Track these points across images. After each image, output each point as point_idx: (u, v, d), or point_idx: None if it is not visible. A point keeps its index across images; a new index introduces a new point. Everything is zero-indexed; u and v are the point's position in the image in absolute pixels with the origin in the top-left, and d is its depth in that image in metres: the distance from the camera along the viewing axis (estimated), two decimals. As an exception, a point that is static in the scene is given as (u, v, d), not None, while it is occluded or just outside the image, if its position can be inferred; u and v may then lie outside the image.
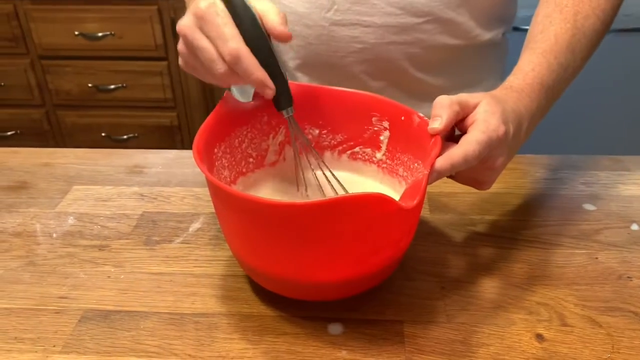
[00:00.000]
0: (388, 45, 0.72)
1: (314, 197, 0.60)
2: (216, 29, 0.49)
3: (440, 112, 0.50)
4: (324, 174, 0.59)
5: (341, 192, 0.60)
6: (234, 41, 0.48)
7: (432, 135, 0.51)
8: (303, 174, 0.61)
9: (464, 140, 0.49)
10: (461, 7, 0.71)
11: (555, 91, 0.59)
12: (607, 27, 0.66)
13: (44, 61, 1.83)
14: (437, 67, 0.73)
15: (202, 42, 0.50)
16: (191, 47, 0.51)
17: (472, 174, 0.52)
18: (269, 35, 0.51)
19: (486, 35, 0.76)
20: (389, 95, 0.59)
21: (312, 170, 0.61)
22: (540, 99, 0.56)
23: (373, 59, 0.74)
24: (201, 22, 0.50)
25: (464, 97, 0.51)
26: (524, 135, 0.54)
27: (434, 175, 0.48)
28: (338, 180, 0.59)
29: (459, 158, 0.47)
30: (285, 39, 0.51)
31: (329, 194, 0.59)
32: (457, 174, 0.52)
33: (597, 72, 1.60)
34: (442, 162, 0.47)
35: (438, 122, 0.49)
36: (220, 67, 0.49)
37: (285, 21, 0.51)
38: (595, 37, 0.63)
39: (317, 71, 0.77)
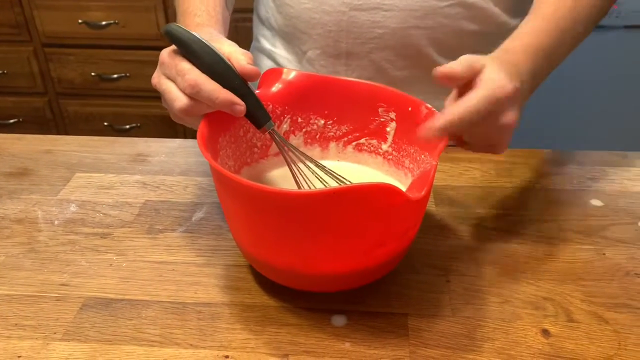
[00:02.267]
0: (410, 30, 0.71)
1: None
2: (174, 68, 0.51)
3: (452, 64, 0.50)
4: (325, 172, 0.58)
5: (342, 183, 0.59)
6: (190, 74, 0.49)
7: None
8: (304, 178, 0.59)
9: (464, 97, 0.49)
10: None
11: (555, 54, 0.59)
12: (608, 3, 0.66)
13: (47, 49, 1.82)
14: (461, 54, 0.72)
15: (166, 84, 0.52)
16: (161, 92, 0.53)
17: (483, 137, 0.52)
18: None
19: (511, 23, 0.75)
20: (412, 86, 0.58)
21: (312, 172, 0.59)
22: (536, 60, 0.56)
23: (395, 45, 0.72)
24: (163, 68, 0.52)
25: (471, 58, 0.51)
26: (526, 93, 0.55)
27: (431, 131, 0.47)
28: (341, 176, 0.58)
29: (456, 113, 0.47)
30: (255, 76, 0.51)
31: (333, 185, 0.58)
32: (470, 140, 0.52)
33: (607, 68, 1.59)
34: (438, 119, 0.48)
35: (456, 66, 0.50)
36: (181, 101, 0.50)
37: (251, 60, 0.52)
38: (595, 11, 0.63)
39: (337, 61, 0.75)
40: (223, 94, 0.49)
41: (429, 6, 0.69)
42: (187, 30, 0.51)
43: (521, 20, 0.77)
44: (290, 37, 0.77)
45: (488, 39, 0.75)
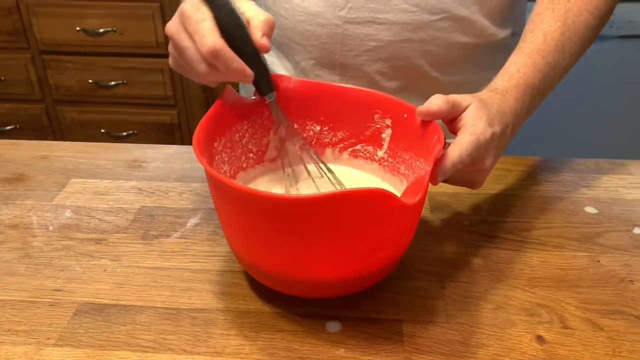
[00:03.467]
0: (403, 43, 0.72)
1: (302, 190, 0.60)
2: (194, 25, 0.50)
3: (436, 101, 0.52)
4: (318, 167, 0.59)
5: (337, 187, 0.59)
6: (210, 36, 0.50)
7: (435, 132, 0.51)
8: (291, 164, 0.61)
9: (456, 141, 0.51)
10: (474, 4, 0.71)
11: (542, 90, 0.61)
12: (602, 23, 0.67)
13: (44, 56, 1.83)
14: (452, 65, 0.73)
15: (185, 41, 0.52)
16: (177, 47, 0.53)
17: (464, 175, 0.55)
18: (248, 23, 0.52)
19: (500, 34, 0.76)
20: (404, 97, 0.59)
21: (305, 164, 0.60)
22: (525, 99, 0.58)
23: (388, 58, 0.73)
24: (183, 19, 0.52)
25: (456, 98, 0.53)
26: (510, 134, 0.57)
27: (440, 175, 0.49)
28: (333, 173, 0.59)
29: (456, 157, 0.50)
30: (265, 51, 0.53)
31: (325, 188, 0.59)
32: (451, 176, 0.54)
33: (602, 77, 1.60)
34: (443, 162, 0.50)
35: (434, 105, 0.52)
36: (202, 67, 0.51)
37: (270, 30, 0.53)
38: (587, 34, 0.64)
39: (331, 71, 0.76)
40: (236, 63, 0.51)
41: (421, 20, 0.70)
42: None
43: (510, 32, 0.78)
44: (284, 47, 0.78)
45: (478, 50, 0.76)
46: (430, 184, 0.48)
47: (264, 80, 0.55)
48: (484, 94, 0.57)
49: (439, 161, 0.49)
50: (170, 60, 0.57)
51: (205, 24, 0.50)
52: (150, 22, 1.72)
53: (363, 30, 0.71)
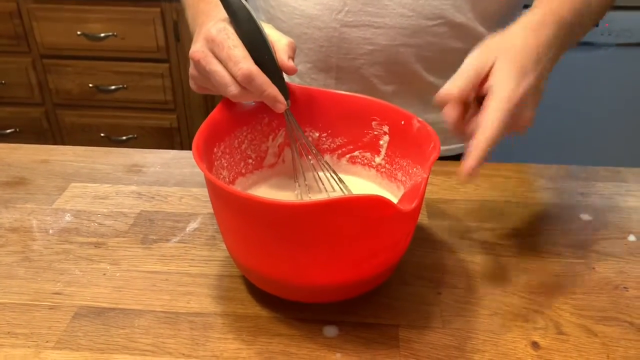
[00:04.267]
0: (399, 48, 0.72)
1: (312, 197, 0.60)
2: (227, 51, 0.52)
3: (458, 82, 0.50)
4: (324, 174, 0.60)
5: (340, 193, 0.60)
6: (245, 62, 0.51)
7: (432, 140, 0.51)
8: (303, 172, 0.61)
9: (486, 116, 0.48)
10: (471, 11, 0.72)
11: (575, 25, 0.57)
12: None
13: (45, 60, 1.83)
14: (449, 71, 0.73)
15: (215, 66, 0.53)
16: (204, 71, 0.54)
17: (509, 129, 0.51)
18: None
19: None
20: (399, 100, 0.60)
21: (313, 169, 0.61)
22: (557, 30, 0.55)
23: (384, 62, 0.74)
24: (212, 45, 0.53)
25: (478, 64, 0.51)
26: (549, 67, 0.53)
27: (470, 174, 0.48)
28: (339, 177, 0.59)
29: (481, 146, 0.48)
30: (291, 73, 0.54)
31: (329, 193, 0.59)
32: None
33: (599, 84, 1.61)
34: (468, 160, 0.48)
35: (455, 89, 0.50)
36: (234, 89, 0.52)
37: (293, 52, 0.54)
38: None
39: (327, 74, 0.77)
40: (270, 89, 0.53)
41: (417, 25, 0.71)
42: None
43: None
44: None
45: None
46: (428, 192, 0.48)
47: (281, 89, 0.55)
48: (514, 31, 0.53)
49: (472, 145, 0.47)
50: (192, 83, 0.58)
51: (238, 50, 0.51)
52: (150, 27, 1.73)
53: (360, 34, 0.72)
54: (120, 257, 0.60)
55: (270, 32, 0.55)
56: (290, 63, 0.54)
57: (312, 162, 0.61)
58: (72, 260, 0.60)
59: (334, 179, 0.60)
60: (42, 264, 0.59)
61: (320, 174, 0.61)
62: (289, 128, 0.59)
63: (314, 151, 0.60)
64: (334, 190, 0.61)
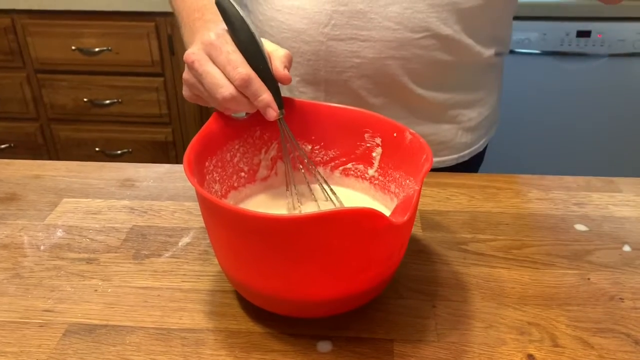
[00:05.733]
0: (386, 60, 0.73)
1: (305, 211, 0.60)
2: (226, 55, 0.53)
3: None
4: (317, 186, 0.59)
5: (333, 206, 0.59)
6: (243, 67, 0.52)
7: (424, 151, 0.51)
8: (295, 184, 0.61)
9: None
10: (457, 24, 0.72)
11: None
12: None
13: (39, 75, 1.83)
14: (436, 83, 0.74)
15: (209, 67, 0.53)
16: (197, 73, 0.54)
17: None
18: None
19: (484, 53, 0.77)
20: (388, 112, 0.60)
21: (306, 181, 0.61)
22: None
23: (372, 74, 0.74)
24: (210, 49, 0.53)
25: None
26: None
27: None
28: (331, 189, 0.59)
29: None
30: (286, 82, 0.55)
31: (322, 206, 0.59)
32: None
33: (592, 95, 1.62)
34: None
35: None
36: (226, 90, 0.52)
37: (289, 62, 0.55)
38: None
39: (316, 87, 0.77)
40: (265, 95, 0.53)
41: (404, 38, 0.71)
42: (234, 5, 0.53)
43: (495, 51, 0.79)
44: None
45: (462, 69, 0.77)
46: (421, 204, 0.48)
47: (277, 99, 0.56)
48: None
49: None
50: (185, 90, 0.58)
51: (237, 55, 0.53)
52: (145, 41, 1.74)
53: (346, 47, 0.72)
54: (112, 273, 0.60)
55: (267, 44, 0.55)
56: (286, 72, 0.54)
57: (305, 173, 0.61)
58: (64, 277, 0.59)
59: (327, 191, 0.60)
60: (32, 280, 0.59)
61: (313, 185, 0.61)
62: (283, 139, 0.59)
63: (307, 162, 0.60)
64: (326, 200, 0.60)
